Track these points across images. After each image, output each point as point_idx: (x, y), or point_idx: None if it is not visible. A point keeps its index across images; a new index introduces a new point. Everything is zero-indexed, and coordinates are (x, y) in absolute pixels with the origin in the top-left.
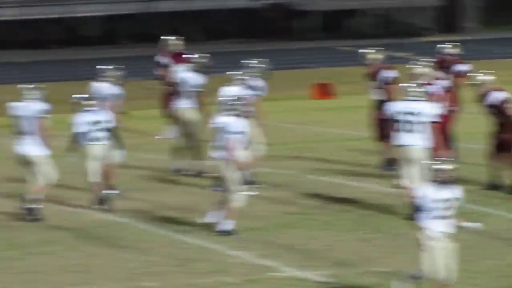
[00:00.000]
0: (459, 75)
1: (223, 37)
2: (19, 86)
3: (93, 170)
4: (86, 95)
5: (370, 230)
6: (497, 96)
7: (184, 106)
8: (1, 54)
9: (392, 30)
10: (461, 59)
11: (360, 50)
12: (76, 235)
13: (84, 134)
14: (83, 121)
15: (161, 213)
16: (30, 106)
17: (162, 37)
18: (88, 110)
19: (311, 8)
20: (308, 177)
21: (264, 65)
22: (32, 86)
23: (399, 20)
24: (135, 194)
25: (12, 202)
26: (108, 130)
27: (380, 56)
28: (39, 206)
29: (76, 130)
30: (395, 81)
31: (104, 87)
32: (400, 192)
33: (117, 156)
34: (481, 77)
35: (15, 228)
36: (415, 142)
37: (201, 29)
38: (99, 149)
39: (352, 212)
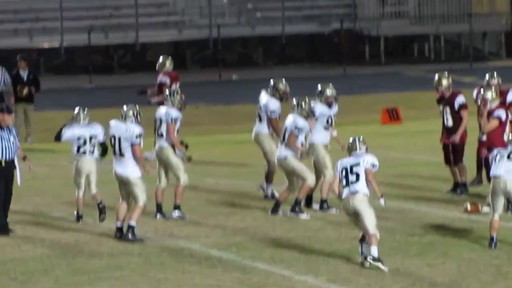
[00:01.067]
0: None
1: (291, 62)
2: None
3: (83, 184)
4: (81, 109)
5: (438, 255)
6: None
7: (262, 130)
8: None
9: (460, 54)
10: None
11: (435, 75)
12: (144, 261)
13: (76, 147)
14: (76, 134)
15: (229, 238)
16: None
17: (161, 57)
18: (83, 124)
19: (379, 33)
20: (376, 202)
21: (333, 91)
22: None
23: (467, 45)
24: (203, 219)
25: (77, 225)
26: (101, 144)
27: (450, 80)
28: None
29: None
30: (466, 106)
31: (162, 110)
32: (490, 224)
33: (183, 178)
34: None
35: (81, 253)
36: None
37: (269, 54)
38: (89, 163)
39: (420, 236)
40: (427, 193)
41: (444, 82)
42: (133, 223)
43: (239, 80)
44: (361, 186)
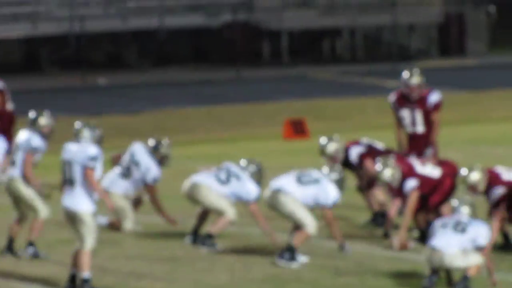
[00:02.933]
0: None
1: (171, 62)
2: None
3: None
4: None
5: None
6: None
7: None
8: None
9: (382, 53)
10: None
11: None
12: None
13: None
14: None
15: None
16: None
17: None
18: None
19: (281, 27)
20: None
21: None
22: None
23: (389, 41)
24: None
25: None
26: None
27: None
28: None
29: None
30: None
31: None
32: None
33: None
34: None
35: None
36: None
37: (144, 52)
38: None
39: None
40: (346, 227)
41: (415, 79)
42: (86, 274)
43: (107, 85)
44: None
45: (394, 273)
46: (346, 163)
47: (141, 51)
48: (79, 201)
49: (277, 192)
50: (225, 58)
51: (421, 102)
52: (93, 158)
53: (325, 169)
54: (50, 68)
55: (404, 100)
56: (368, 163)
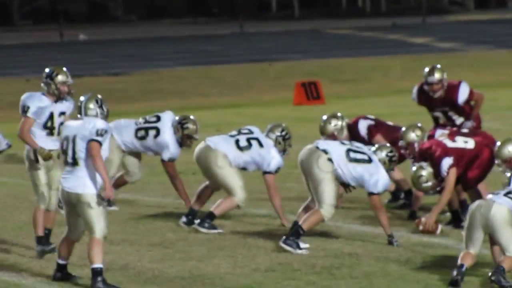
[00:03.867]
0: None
1: (164, 16)
2: None
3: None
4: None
5: None
6: None
7: None
8: None
9: (409, 5)
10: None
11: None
12: None
13: None
14: None
15: None
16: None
17: None
18: None
19: None
20: None
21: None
22: None
23: None
24: None
25: None
26: None
27: (445, 75)
28: None
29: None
30: (472, 94)
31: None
32: None
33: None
34: None
35: None
36: None
37: (132, 4)
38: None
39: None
40: (363, 209)
41: (437, 74)
42: (97, 265)
43: (88, 41)
44: None
45: (419, 261)
46: (356, 141)
47: (128, 2)
48: (84, 183)
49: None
50: (226, 10)
51: (451, 103)
52: (102, 132)
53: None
54: (23, 22)
55: (428, 98)
56: (378, 137)
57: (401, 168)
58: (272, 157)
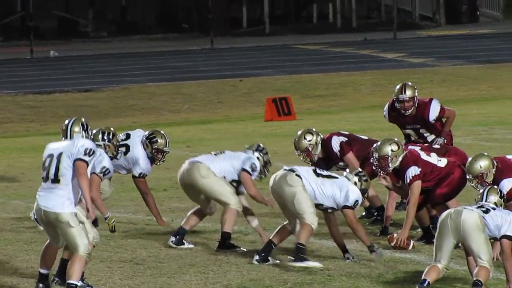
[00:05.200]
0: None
1: (134, 32)
2: None
3: None
4: None
5: None
6: None
7: None
8: None
9: (380, 20)
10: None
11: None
12: None
13: None
14: None
15: None
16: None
17: None
18: None
19: None
20: None
21: None
22: None
23: (389, 6)
24: None
25: None
26: None
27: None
28: None
29: None
30: (444, 111)
31: None
32: None
33: None
34: None
35: None
36: None
37: (104, 20)
38: None
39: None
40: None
41: (408, 91)
42: (74, 282)
43: (59, 57)
44: None
45: (391, 276)
46: (328, 157)
47: (99, 18)
48: (62, 202)
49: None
50: (197, 26)
51: (422, 120)
52: (90, 152)
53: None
54: None
55: (399, 115)
56: (350, 155)
57: (373, 184)
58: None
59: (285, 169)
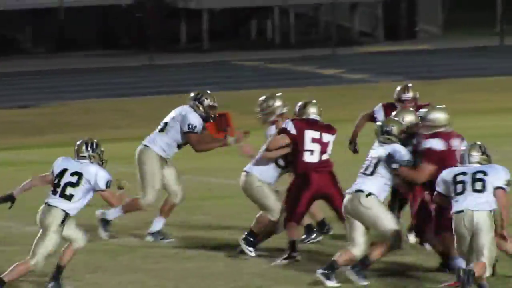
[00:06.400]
0: None
1: (73, 48)
2: None
3: None
4: None
5: None
6: None
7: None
8: None
9: (319, 36)
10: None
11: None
12: None
13: None
14: None
15: None
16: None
17: None
18: None
19: (200, 5)
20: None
21: None
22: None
23: (328, 22)
24: None
25: None
26: None
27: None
28: None
29: None
30: None
31: None
32: None
33: None
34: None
35: None
36: None
37: (40, 36)
38: None
39: None
40: None
41: (411, 92)
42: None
43: None
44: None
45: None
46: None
47: (37, 34)
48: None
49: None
50: (136, 43)
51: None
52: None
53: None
54: None
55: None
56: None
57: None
58: None
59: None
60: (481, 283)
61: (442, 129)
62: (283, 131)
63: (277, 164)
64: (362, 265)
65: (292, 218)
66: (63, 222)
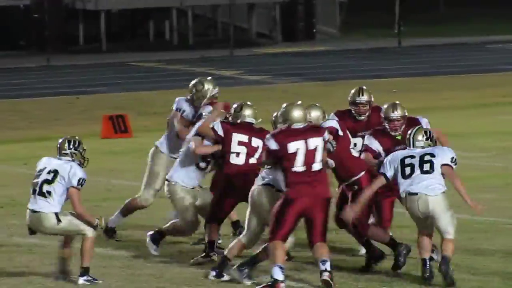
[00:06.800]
0: None
1: None
2: None
3: None
4: None
5: None
6: None
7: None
8: None
9: (217, 37)
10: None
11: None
12: None
13: None
14: None
15: None
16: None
17: None
18: None
19: (99, 7)
20: None
21: None
22: None
23: (226, 23)
24: None
25: None
26: None
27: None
28: None
29: None
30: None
31: None
32: None
33: None
34: None
35: None
36: None
37: None
38: None
39: None
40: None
41: (366, 95)
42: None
43: None
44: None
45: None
46: None
47: None
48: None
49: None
50: (34, 43)
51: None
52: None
53: None
54: None
55: (351, 121)
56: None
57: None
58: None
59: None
60: (445, 255)
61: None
62: (212, 129)
63: (197, 166)
64: (248, 265)
65: (212, 219)
66: (58, 220)
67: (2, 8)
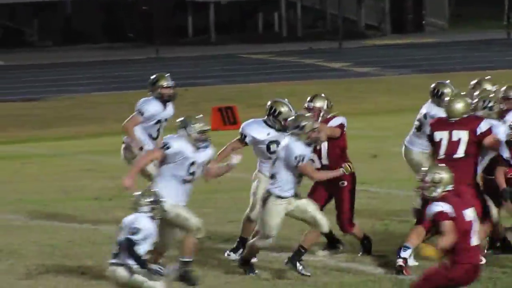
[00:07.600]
0: None
1: (80, 41)
2: None
3: None
4: None
5: None
6: None
7: None
8: None
9: (325, 29)
10: None
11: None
12: None
13: None
14: None
15: None
16: None
17: None
18: None
19: None
20: None
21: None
22: None
23: (334, 15)
24: None
25: None
26: None
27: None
28: None
29: None
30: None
31: None
32: None
33: None
34: None
35: None
36: None
37: (47, 28)
38: None
39: None
40: None
41: (318, 102)
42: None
43: (4, 66)
44: None
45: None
46: None
47: (44, 26)
48: None
49: None
50: (143, 36)
51: None
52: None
53: None
54: None
55: None
56: None
57: None
58: None
59: None
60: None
61: None
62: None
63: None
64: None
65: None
66: None
67: (111, 1)
